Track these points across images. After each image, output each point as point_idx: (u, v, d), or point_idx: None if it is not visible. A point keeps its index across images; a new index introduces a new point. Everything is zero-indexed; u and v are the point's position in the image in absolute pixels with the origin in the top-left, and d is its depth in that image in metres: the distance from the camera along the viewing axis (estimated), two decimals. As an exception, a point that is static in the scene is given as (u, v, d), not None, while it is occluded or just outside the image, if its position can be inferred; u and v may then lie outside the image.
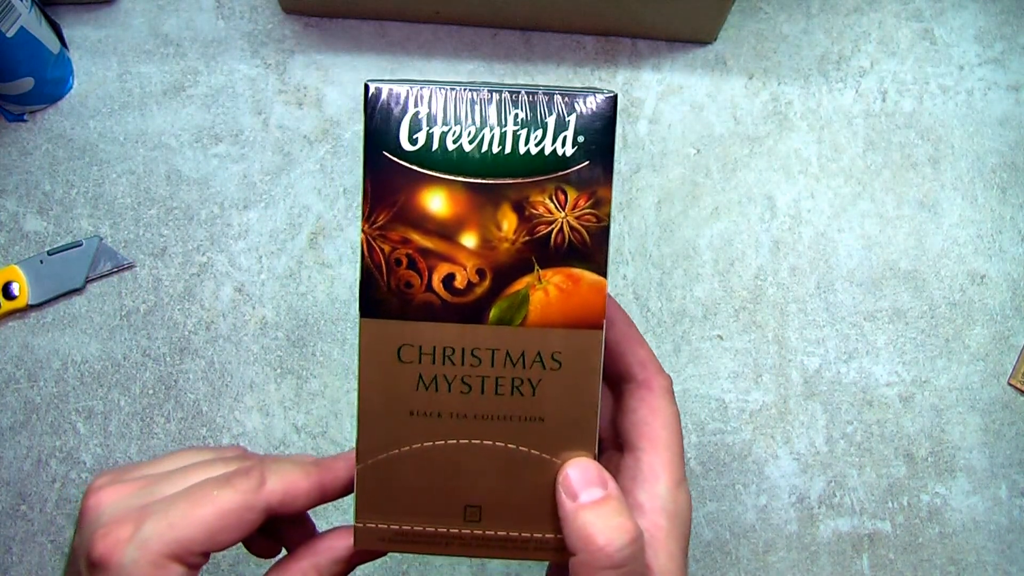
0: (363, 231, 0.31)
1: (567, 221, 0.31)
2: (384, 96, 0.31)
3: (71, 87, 0.59)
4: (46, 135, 0.58)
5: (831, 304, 0.57)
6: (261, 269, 0.57)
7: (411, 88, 0.31)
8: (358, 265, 0.57)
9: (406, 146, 0.31)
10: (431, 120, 0.31)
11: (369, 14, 0.59)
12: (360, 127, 0.59)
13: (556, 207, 0.31)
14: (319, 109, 0.59)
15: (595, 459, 0.32)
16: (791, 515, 0.55)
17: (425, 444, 0.32)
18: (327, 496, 0.34)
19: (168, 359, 0.56)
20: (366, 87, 0.31)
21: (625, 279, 0.57)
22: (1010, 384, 0.57)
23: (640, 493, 0.33)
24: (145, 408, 0.55)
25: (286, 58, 0.59)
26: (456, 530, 0.33)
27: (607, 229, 0.31)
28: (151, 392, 0.56)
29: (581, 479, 0.31)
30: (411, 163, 0.31)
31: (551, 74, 0.60)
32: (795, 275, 0.58)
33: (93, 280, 0.56)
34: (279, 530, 0.37)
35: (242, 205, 0.58)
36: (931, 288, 0.58)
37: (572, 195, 0.31)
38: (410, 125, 0.31)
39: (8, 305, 0.55)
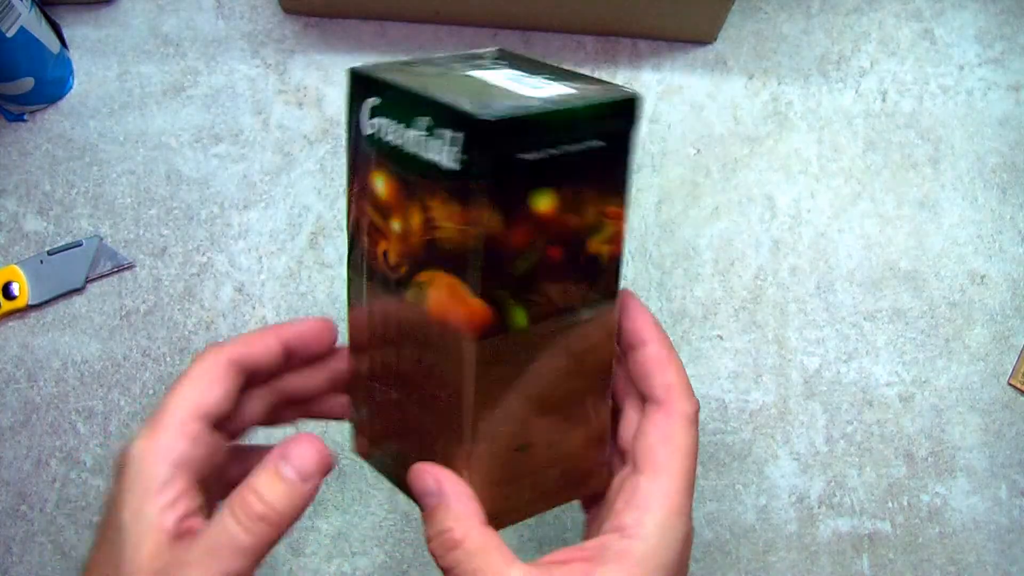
0: (348, 192, 0.35)
1: (450, 233, 0.31)
2: (356, 82, 0.34)
3: (71, 87, 0.59)
4: (46, 135, 0.58)
5: (831, 304, 0.57)
6: (261, 269, 0.57)
7: (370, 75, 0.33)
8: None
9: (365, 130, 0.34)
10: (378, 111, 0.33)
11: (369, 14, 0.59)
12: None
13: (445, 216, 0.31)
14: (319, 109, 0.59)
15: (464, 470, 0.33)
16: (791, 515, 0.55)
17: (376, 385, 0.37)
18: (290, 348, 0.36)
19: (168, 359, 0.56)
20: (350, 71, 0.34)
21: (625, 279, 0.57)
22: (1010, 384, 0.57)
23: (627, 516, 0.32)
24: (145, 408, 0.55)
25: (286, 58, 0.59)
26: (405, 453, 0.36)
27: (477, 251, 0.30)
28: (151, 392, 0.56)
29: (419, 488, 0.34)
30: (368, 146, 0.34)
31: (551, 74, 0.60)
32: (795, 275, 0.58)
33: (93, 280, 0.56)
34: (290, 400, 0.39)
35: (242, 205, 0.58)
36: (931, 288, 0.58)
37: (455, 209, 0.31)
38: (368, 112, 0.33)
39: (8, 305, 0.55)
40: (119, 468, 0.32)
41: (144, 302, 0.56)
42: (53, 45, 0.57)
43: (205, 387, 0.33)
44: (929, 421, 0.56)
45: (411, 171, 0.32)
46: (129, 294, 0.57)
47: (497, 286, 0.31)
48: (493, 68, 0.36)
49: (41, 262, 0.56)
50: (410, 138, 0.31)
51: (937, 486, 0.56)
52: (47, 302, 0.56)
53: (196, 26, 0.60)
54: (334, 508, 0.54)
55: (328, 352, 0.38)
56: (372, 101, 0.33)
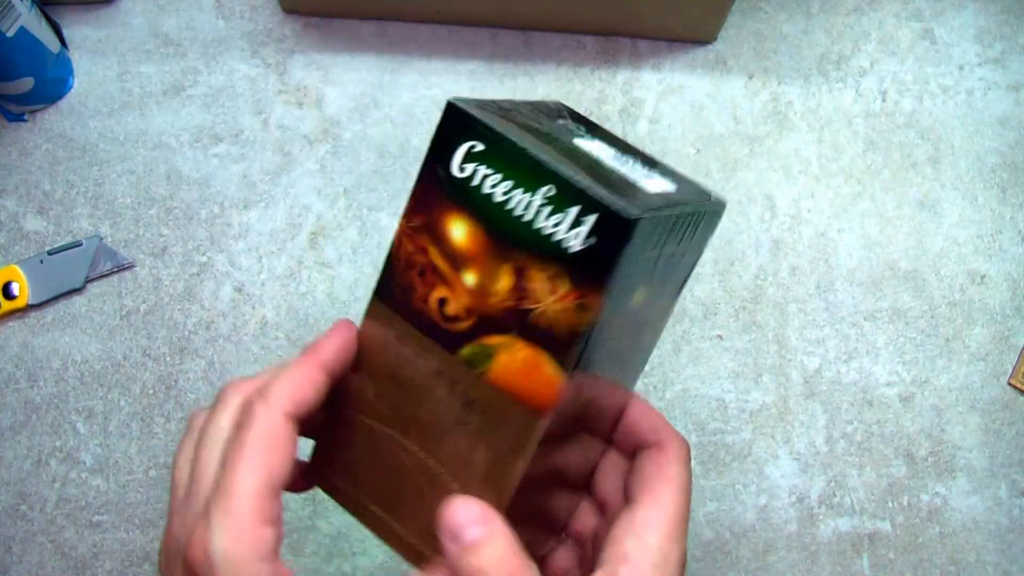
0: (400, 223, 0.32)
1: (551, 308, 0.30)
2: (456, 117, 0.31)
3: (71, 87, 0.59)
4: (46, 135, 0.58)
5: (831, 304, 0.57)
6: (261, 269, 0.57)
7: (477, 119, 0.31)
8: (366, 253, 0.57)
9: (454, 171, 0.31)
10: (481, 158, 0.31)
11: (369, 14, 0.59)
12: (361, 127, 0.59)
13: (548, 291, 0.30)
14: (319, 109, 0.59)
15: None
16: (791, 515, 0.55)
17: (374, 423, 0.34)
18: (335, 374, 0.33)
19: (168, 359, 0.56)
20: (449, 104, 0.31)
21: (625, 279, 0.57)
22: (1010, 384, 0.57)
23: (628, 542, 0.32)
24: (145, 408, 0.55)
25: (286, 58, 0.59)
26: (375, 509, 0.35)
27: (583, 335, 0.30)
28: (151, 392, 0.56)
29: (465, 518, 0.30)
30: (452, 187, 0.31)
31: (551, 74, 0.60)
32: (795, 275, 0.58)
33: (93, 280, 0.57)
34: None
35: (242, 205, 0.58)
36: (931, 288, 0.58)
37: (563, 288, 0.30)
38: (463, 155, 0.31)
39: (8, 305, 0.55)
40: (201, 567, 0.29)
41: (144, 302, 0.56)
42: (53, 45, 0.57)
43: (271, 458, 0.30)
44: (929, 421, 0.56)
45: (509, 232, 0.30)
46: (129, 294, 0.57)
47: (584, 368, 0.31)
48: (586, 138, 0.35)
49: (41, 262, 0.56)
50: (520, 200, 0.30)
51: (937, 486, 0.56)
52: (47, 302, 0.56)
53: (196, 26, 0.60)
54: (334, 508, 0.54)
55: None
56: (474, 145, 0.31)
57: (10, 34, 0.52)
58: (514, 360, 0.31)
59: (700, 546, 0.55)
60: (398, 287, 0.33)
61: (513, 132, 0.31)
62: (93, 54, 0.59)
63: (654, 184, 0.33)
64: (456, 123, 0.31)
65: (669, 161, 0.59)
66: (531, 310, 0.30)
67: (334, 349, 0.33)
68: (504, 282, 0.31)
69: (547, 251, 0.30)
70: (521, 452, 0.31)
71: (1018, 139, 0.59)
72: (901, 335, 0.57)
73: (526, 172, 0.30)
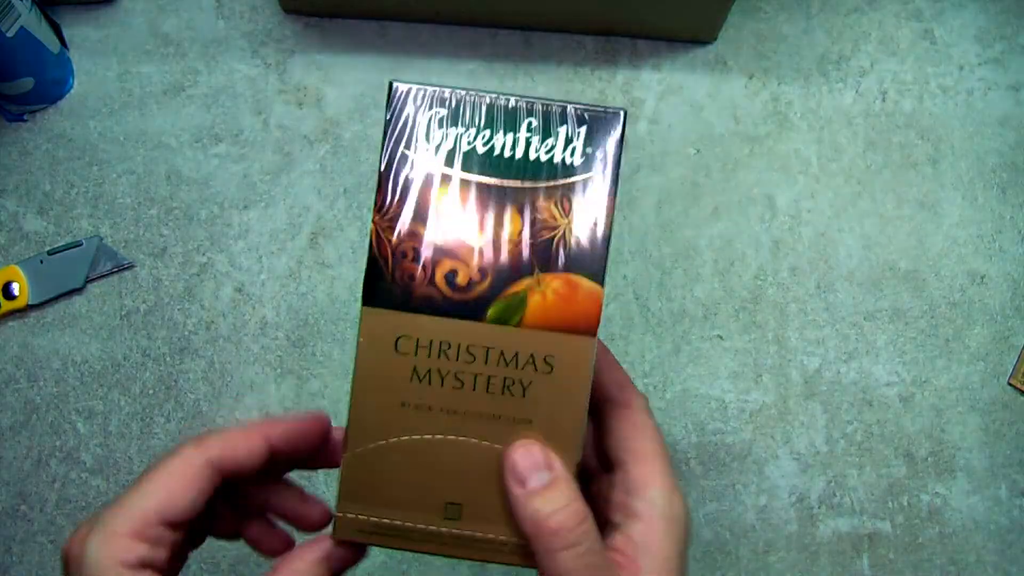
0: (373, 221, 0.32)
1: (569, 228, 0.32)
2: (406, 94, 0.32)
3: (71, 87, 0.59)
4: (46, 135, 0.58)
5: (831, 304, 0.57)
6: (261, 269, 0.57)
7: (432, 90, 0.32)
8: (365, 253, 0.57)
9: (422, 144, 0.32)
10: (448, 121, 0.32)
11: (369, 14, 0.59)
12: (361, 127, 0.59)
13: (560, 214, 0.32)
14: (319, 109, 0.59)
15: (576, 467, 0.32)
16: (791, 515, 0.55)
17: (413, 437, 0.33)
18: (276, 450, 0.34)
19: (168, 359, 0.56)
20: (391, 85, 0.32)
21: (625, 279, 0.57)
22: (1010, 384, 0.57)
23: (636, 502, 0.33)
24: (145, 408, 0.55)
25: (286, 58, 0.59)
26: (435, 527, 0.33)
27: (608, 240, 0.32)
28: (151, 392, 0.56)
29: (527, 464, 0.31)
30: (427, 160, 0.32)
31: (551, 74, 0.60)
32: (795, 275, 0.58)
33: (93, 280, 0.56)
34: (249, 505, 0.36)
35: (242, 205, 0.58)
36: (931, 288, 0.58)
37: (576, 204, 0.32)
38: (428, 124, 0.32)
39: (8, 305, 0.55)
40: (72, 564, 0.30)
41: (144, 302, 0.56)
42: (53, 45, 0.57)
43: (175, 490, 0.31)
44: (929, 421, 0.56)
45: (503, 176, 0.32)
46: (129, 294, 0.57)
47: (604, 275, 0.32)
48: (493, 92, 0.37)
49: (41, 262, 0.56)
50: (503, 142, 0.32)
51: (937, 486, 0.56)
52: (47, 302, 0.56)
53: (196, 26, 0.60)
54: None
55: (316, 451, 0.35)
56: (435, 113, 0.32)
57: (10, 34, 0.52)
58: (547, 295, 0.32)
59: (700, 546, 0.55)
60: (393, 283, 0.33)
61: (462, 88, 0.32)
62: (93, 54, 0.59)
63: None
64: (409, 100, 0.32)
65: (669, 161, 0.59)
66: (551, 239, 0.32)
67: (286, 430, 0.34)
68: (513, 225, 0.32)
69: (548, 176, 0.32)
70: (582, 382, 0.32)
71: (1018, 139, 0.59)
72: (901, 335, 0.57)
73: (500, 115, 0.32)
